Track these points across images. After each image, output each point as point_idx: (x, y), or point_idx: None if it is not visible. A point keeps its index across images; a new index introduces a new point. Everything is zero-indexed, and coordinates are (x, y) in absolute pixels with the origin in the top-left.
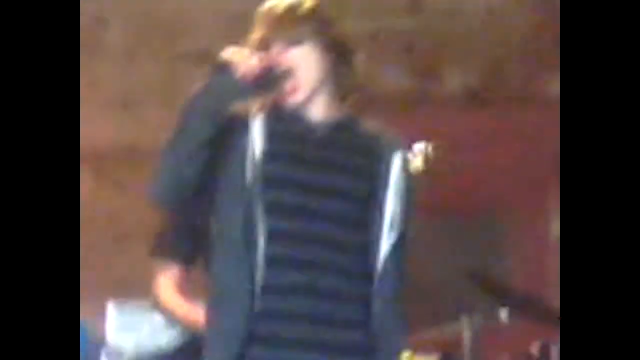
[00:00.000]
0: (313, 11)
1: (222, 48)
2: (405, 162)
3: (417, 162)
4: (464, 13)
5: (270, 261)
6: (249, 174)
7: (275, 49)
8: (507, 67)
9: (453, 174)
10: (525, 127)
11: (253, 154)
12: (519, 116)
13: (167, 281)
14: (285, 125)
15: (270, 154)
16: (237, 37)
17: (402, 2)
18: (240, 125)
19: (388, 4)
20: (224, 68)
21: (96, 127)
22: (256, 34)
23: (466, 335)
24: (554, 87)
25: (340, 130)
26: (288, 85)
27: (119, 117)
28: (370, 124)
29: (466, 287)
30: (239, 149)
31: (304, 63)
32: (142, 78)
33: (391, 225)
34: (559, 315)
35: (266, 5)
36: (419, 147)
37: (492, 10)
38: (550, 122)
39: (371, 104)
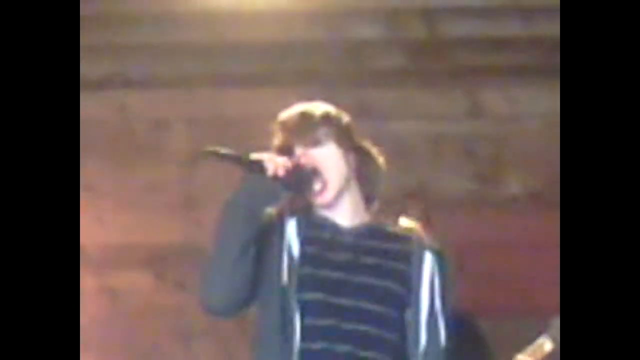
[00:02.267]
0: (328, 115)
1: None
2: (439, 264)
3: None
4: (523, 117)
5: (305, 358)
6: (285, 275)
7: (297, 153)
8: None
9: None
10: None
11: (290, 256)
12: None
13: None
14: (317, 231)
15: (305, 258)
16: None
17: (462, 106)
18: (275, 228)
19: (448, 109)
20: (255, 168)
21: (158, 229)
22: (277, 142)
23: None
24: None
25: (369, 236)
26: (316, 186)
27: (181, 219)
28: (398, 227)
29: None
30: (274, 250)
31: (326, 162)
32: (203, 180)
33: (427, 325)
34: None
35: (283, 115)
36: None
37: (549, 115)
38: None
39: (433, 208)
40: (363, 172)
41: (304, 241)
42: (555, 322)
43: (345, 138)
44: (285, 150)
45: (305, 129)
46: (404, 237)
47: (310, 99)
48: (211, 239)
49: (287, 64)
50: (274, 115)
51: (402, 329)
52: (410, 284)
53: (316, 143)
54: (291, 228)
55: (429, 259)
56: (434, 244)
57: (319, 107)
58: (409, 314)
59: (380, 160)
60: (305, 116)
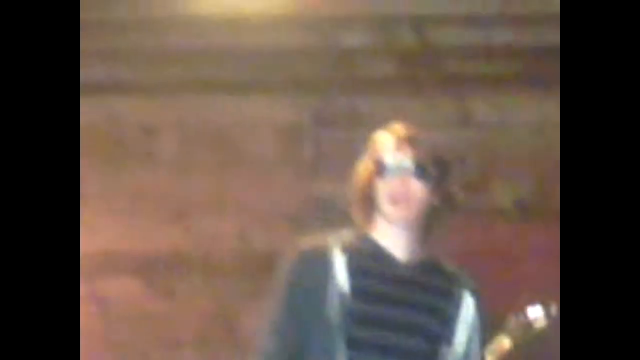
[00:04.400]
0: (440, 157)
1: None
2: (476, 304)
3: (540, 323)
4: (511, 126)
5: None
6: (332, 309)
7: (394, 176)
8: (556, 181)
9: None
10: (541, 239)
11: (337, 290)
12: (534, 228)
13: None
14: (368, 263)
15: (353, 292)
16: (288, 145)
17: (451, 115)
18: (322, 260)
19: (437, 117)
20: None
21: (147, 237)
22: (380, 154)
23: None
24: None
25: (421, 272)
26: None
27: (171, 227)
28: (448, 264)
29: None
30: (321, 283)
31: (419, 194)
32: (193, 187)
33: None
34: None
35: (408, 133)
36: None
37: (537, 123)
38: None
39: None
40: (437, 213)
41: (354, 275)
42: (511, 320)
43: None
44: (379, 166)
45: (422, 162)
46: (453, 276)
47: (300, 106)
48: (202, 246)
49: (277, 70)
50: (263, 122)
51: None
52: (451, 322)
53: (419, 177)
54: (340, 262)
55: (469, 301)
56: (473, 285)
57: (437, 146)
58: (444, 350)
59: (460, 196)
60: (430, 150)
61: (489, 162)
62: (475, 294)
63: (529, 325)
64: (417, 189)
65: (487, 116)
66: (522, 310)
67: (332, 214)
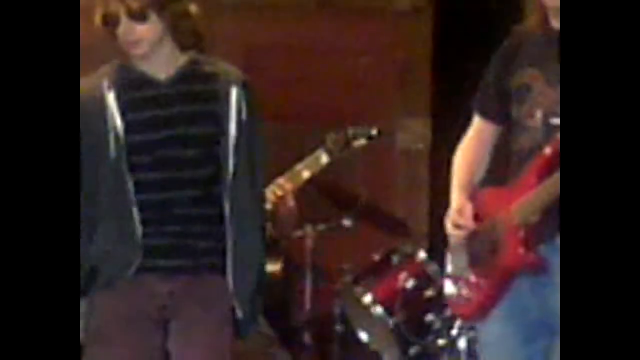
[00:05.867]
0: None
1: None
2: (245, 93)
3: (359, 142)
4: None
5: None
6: (111, 147)
7: (123, 27)
8: None
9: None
10: (372, 39)
11: (114, 125)
12: (367, 27)
13: None
14: (132, 92)
15: (126, 125)
16: None
17: None
18: (95, 101)
19: None
20: None
21: None
22: (101, 9)
23: (308, 242)
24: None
25: (182, 83)
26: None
27: None
28: (209, 62)
29: (311, 195)
30: (99, 123)
31: (148, 35)
32: None
33: (236, 153)
34: (402, 223)
35: None
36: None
37: None
38: (398, 35)
39: (219, 12)
40: (178, 26)
41: (125, 106)
42: (331, 136)
43: (168, 8)
44: (111, 21)
45: (131, 2)
46: (214, 74)
47: None
48: None
49: None
50: None
51: (217, 163)
52: (221, 120)
53: (141, 18)
54: (111, 98)
55: (237, 93)
56: (239, 76)
57: None
58: (223, 143)
59: (194, 8)
60: None
61: None
62: (244, 85)
63: (347, 143)
64: (143, 30)
65: None
66: (343, 128)
67: None
